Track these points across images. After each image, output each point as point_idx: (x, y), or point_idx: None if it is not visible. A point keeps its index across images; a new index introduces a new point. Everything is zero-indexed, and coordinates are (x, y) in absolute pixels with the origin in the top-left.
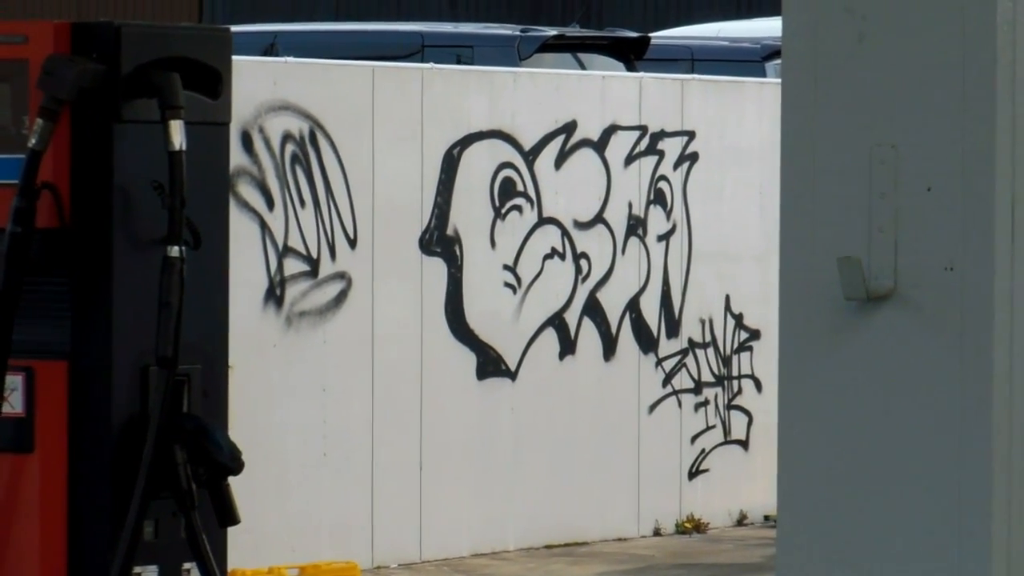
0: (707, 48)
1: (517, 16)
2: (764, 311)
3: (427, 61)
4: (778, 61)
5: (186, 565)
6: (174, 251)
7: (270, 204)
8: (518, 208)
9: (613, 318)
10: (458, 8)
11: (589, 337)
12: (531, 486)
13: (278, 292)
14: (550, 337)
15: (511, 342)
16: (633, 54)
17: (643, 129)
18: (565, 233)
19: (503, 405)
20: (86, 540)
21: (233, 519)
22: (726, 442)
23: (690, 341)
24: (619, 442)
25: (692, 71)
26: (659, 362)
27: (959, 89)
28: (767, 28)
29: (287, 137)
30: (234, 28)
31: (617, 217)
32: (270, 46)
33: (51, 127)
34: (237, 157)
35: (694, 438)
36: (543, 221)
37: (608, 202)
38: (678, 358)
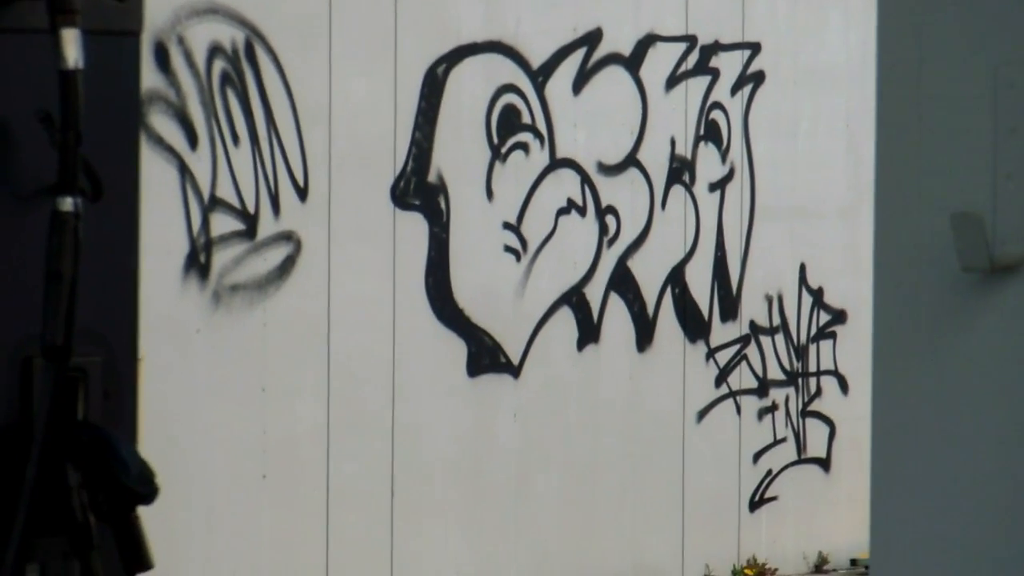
0: None
1: None
2: (852, 285)
3: None
4: None
5: None
6: (67, 204)
7: (193, 141)
8: (523, 147)
9: (650, 294)
10: None
11: (618, 320)
12: (539, 518)
13: (203, 259)
14: (565, 320)
15: (513, 326)
16: None
17: (691, 40)
18: (586, 180)
19: (503, 410)
20: None
21: (144, 563)
22: (800, 461)
23: (752, 326)
24: (657, 460)
25: None
26: (711, 353)
27: None
28: None
29: (215, 51)
30: None
31: (656, 159)
32: None
33: None
34: (151, 78)
35: (758, 455)
36: (557, 164)
37: (643, 139)
38: (737, 348)
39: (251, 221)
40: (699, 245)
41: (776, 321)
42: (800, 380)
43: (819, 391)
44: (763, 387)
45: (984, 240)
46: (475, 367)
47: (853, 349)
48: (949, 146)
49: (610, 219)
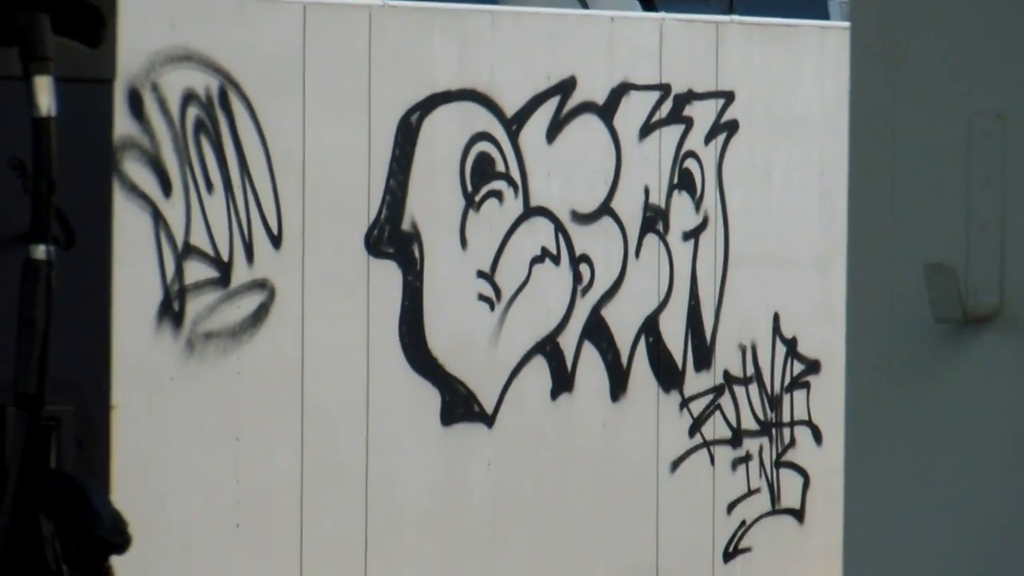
0: None
1: None
2: (825, 335)
3: None
4: None
5: None
6: (39, 252)
7: (166, 188)
8: (497, 195)
9: (623, 343)
10: None
11: (591, 369)
12: (512, 568)
13: (176, 307)
14: (539, 369)
15: (487, 375)
16: None
17: (665, 89)
18: (560, 228)
19: (476, 460)
20: None
21: None
22: (775, 511)
23: (726, 375)
24: (631, 511)
25: (731, 11)
26: (685, 403)
27: None
28: None
29: (189, 97)
30: None
31: (629, 208)
32: None
33: None
34: (124, 125)
35: (731, 506)
36: (531, 212)
37: (617, 187)
38: (710, 398)
39: (225, 269)
40: (673, 294)
41: (750, 371)
42: (774, 430)
43: (793, 441)
44: (737, 437)
45: (957, 291)
46: (449, 416)
47: (827, 399)
48: (922, 196)
49: (584, 268)
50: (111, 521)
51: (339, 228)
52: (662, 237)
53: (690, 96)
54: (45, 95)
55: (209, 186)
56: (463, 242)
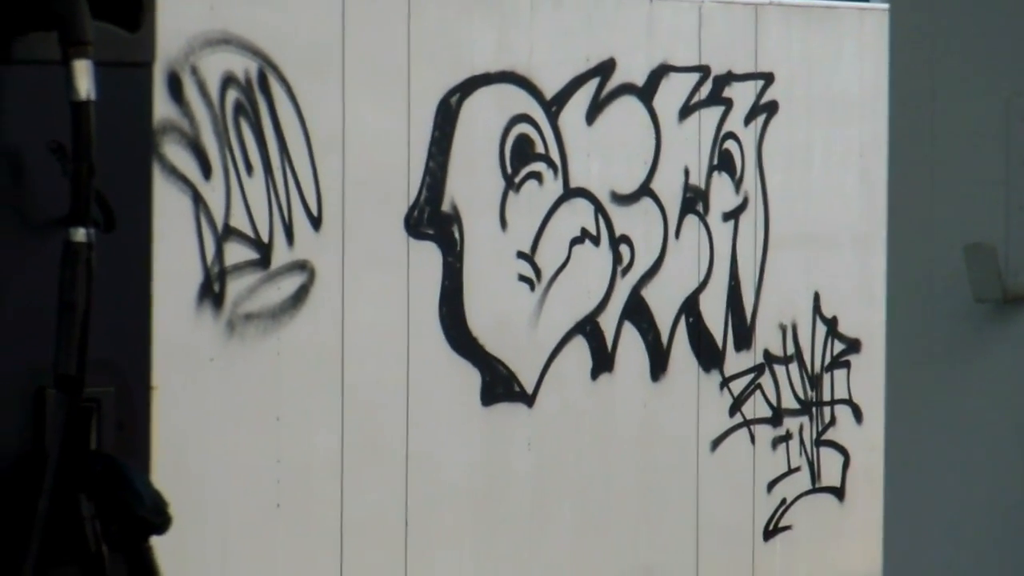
0: None
1: None
2: (866, 315)
3: None
4: None
5: None
6: (79, 235)
7: (206, 171)
8: (537, 176)
9: (664, 324)
10: None
11: (632, 349)
12: (554, 546)
13: (216, 288)
14: (579, 349)
15: (527, 355)
16: None
17: (704, 71)
18: (600, 210)
19: (517, 439)
20: None
21: None
22: (815, 490)
23: (767, 355)
24: (671, 489)
25: None
26: (725, 382)
27: None
28: None
29: (229, 81)
30: None
31: (669, 188)
32: None
33: None
34: (164, 108)
35: (772, 485)
36: (570, 194)
37: (657, 168)
38: (750, 377)
39: (265, 250)
40: (713, 274)
41: (790, 350)
42: (814, 409)
43: (833, 420)
44: (777, 416)
45: (997, 271)
46: (489, 396)
47: (867, 378)
48: (962, 177)
49: (624, 248)
50: (151, 501)
51: (379, 210)
52: (702, 218)
53: (729, 78)
54: (84, 79)
55: (249, 168)
56: (503, 223)
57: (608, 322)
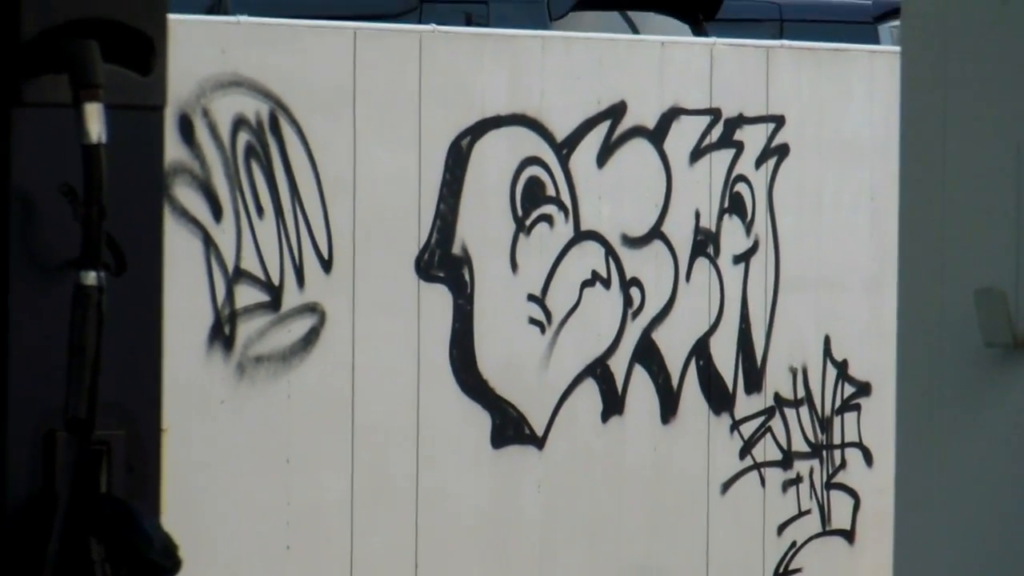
0: (801, 6)
1: None
2: (876, 358)
3: (426, 21)
4: (896, 23)
5: None
6: (90, 278)
7: (217, 213)
8: (547, 219)
9: (674, 366)
10: None
11: (642, 391)
12: None
13: (227, 330)
14: (590, 391)
15: (538, 398)
16: (702, 13)
17: (715, 113)
18: (610, 252)
19: (527, 481)
20: None
21: None
22: (825, 533)
23: (777, 398)
24: (682, 531)
25: (781, 36)
26: (735, 425)
27: None
28: None
29: (240, 123)
30: None
31: (680, 231)
32: (217, 2)
33: None
34: (175, 150)
35: (782, 527)
36: (581, 236)
37: (668, 211)
38: (761, 420)
39: (275, 292)
40: (723, 317)
41: (801, 393)
42: (824, 452)
43: (844, 463)
44: (787, 459)
45: (1007, 315)
46: (499, 438)
47: (878, 421)
48: (972, 221)
49: (634, 291)
50: (161, 544)
51: (389, 252)
52: (712, 261)
53: (740, 120)
54: (95, 122)
55: (260, 210)
56: (513, 266)
57: (618, 365)
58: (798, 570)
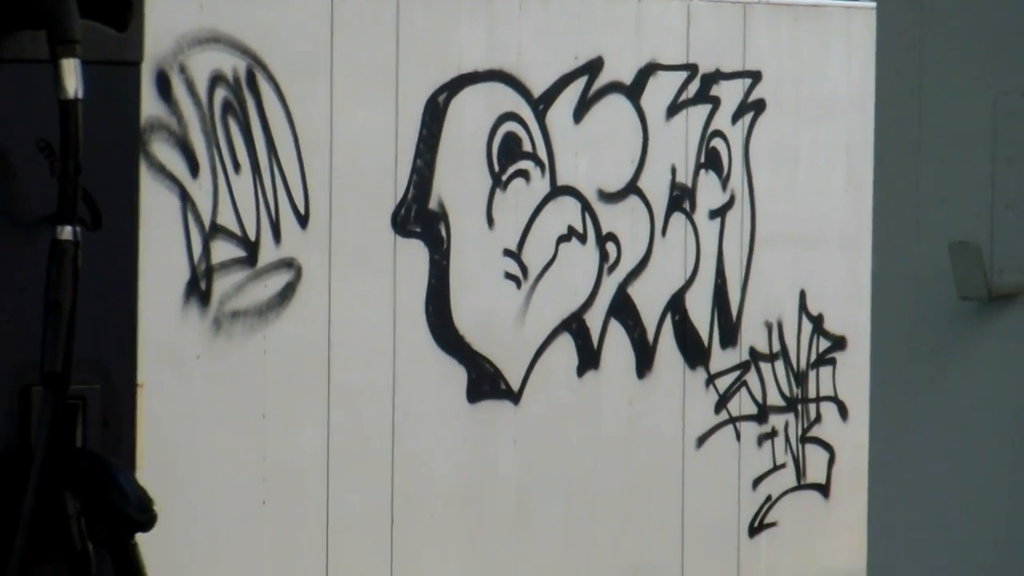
0: None
1: None
2: (852, 312)
3: None
4: None
5: None
6: (66, 233)
7: (194, 169)
8: (524, 174)
9: (650, 321)
10: None
11: (618, 346)
12: (540, 544)
13: (203, 286)
14: (565, 346)
15: (514, 353)
16: None
17: (692, 69)
18: (587, 207)
19: (503, 436)
20: None
21: None
22: (800, 487)
23: (752, 352)
24: (657, 486)
25: None
26: (711, 379)
27: None
28: None
29: (217, 79)
30: None
31: (656, 187)
32: None
33: None
34: (151, 106)
35: (757, 481)
36: (557, 192)
37: (644, 166)
38: (736, 375)
39: (252, 248)
40: (699, 272)
41: (776, 348)
42: (800, 406)
43: (819, 417)
44: (763, 413)
45: (982, 269)
46: (475, 393)
47: (853, 376)
48: (948, 175)
49: (610, 246)
50: (136, 499)
51: (366, 208)
52: (689, 216)
53: (717, 76)
54: (72, 78)
55: (236, 167)
56: (490, 221)
57: (594, 320)
58: (773, 524)
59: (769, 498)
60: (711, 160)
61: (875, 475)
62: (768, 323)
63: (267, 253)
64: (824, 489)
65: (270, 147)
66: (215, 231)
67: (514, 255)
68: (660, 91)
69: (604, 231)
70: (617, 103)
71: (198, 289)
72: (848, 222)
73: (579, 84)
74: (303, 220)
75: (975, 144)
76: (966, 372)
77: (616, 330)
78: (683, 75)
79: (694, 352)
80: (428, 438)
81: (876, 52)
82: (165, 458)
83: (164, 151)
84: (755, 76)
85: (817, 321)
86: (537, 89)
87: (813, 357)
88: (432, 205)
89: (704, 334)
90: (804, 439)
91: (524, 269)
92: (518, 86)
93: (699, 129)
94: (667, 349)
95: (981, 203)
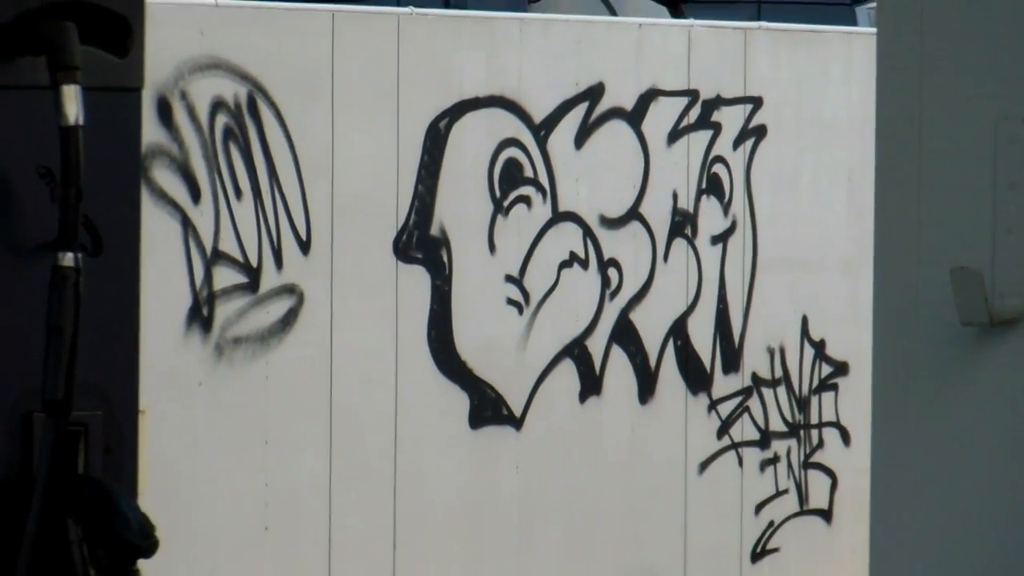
0: None
1: None
2: (854, 338)
3: (405, 3)
4: (872, 5)
5: None
6: (67, 259)
7: (195, 195)
8: (525, 200)
9: (652, 346)
10: None
11: (620, 372)
12: (541, 569)
13: (205, 312)
14: (567, 372)
15: (516, 379)
16: None
17: (693, 95)
18: (588, 233)
19: (505, 462)
20: None
21: None
22: (803, 512)
23: (755, 377)
24: (659, 512)
25: (758, 18)
26: (713, 405)
27: None
28: None
29: (218, 105)
30: None
31: (658, 212)
32: None
33: None
34: (153, 133)
35: (760, 507)
36: (559, 217)
37: (645, 192)
38: (739, 400)
39: (253, 274)
40: (701, 298)
41: (778, 373)
42: (802, 432)
43: (821, 443)
44: (765, 439)
45: (983, 294)
46: (477, 419)
47: (855, 401)
48: (949, 200)
49: (612, 272)
50: (138, 525)
51: (368, 234)
52: (690, 241)
53: (718, 102)
54: (73, 104)
55: (238, 192)
56: (491, 247)
57: (596, 345)
58: (775, 550)
59: (772, 524)
60: (712, 185)
61: (877, 501)
62: (770, 348)
63: (269, 279)
64: (826, 515)
65: (271, 173)
66: (217, 257)
67: (516, 281)
68: (661, 117)
69: (606, 256)
70: (618, 129)
71: (200, 315)
72: (849, 247)
73: (580, 110)
74: (305, 246)
75: (976, 169)
76: (967, 398)
77: (618, 355)
78: (684, 100)
79: (696, 377)
80: (430, 464)
81: (876, 77)
82: (167, 484)
83: (165, 177)
84: (756, 101)
85: (819, 346)
86: (538, 115)
87: (815, 382)
88: (434, 231)
89: (706, 359)
90: (806, 465)
91: (526, 295)
92: (519, 112)
93: (700, 154)
94: (669, 374)
95: (982, 228)
